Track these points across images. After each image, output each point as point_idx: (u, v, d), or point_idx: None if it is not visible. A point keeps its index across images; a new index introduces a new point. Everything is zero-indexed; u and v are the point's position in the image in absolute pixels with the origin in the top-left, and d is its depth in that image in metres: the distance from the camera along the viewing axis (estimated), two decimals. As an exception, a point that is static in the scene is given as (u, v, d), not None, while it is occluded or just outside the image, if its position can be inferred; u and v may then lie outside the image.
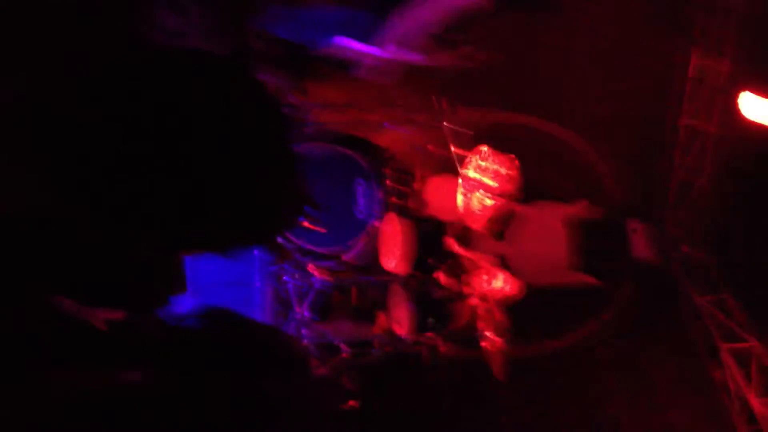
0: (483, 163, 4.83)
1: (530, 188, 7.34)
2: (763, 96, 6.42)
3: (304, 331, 4.84)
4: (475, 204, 4.91)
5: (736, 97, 6.66)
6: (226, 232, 1.40)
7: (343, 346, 5.04)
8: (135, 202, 1.27)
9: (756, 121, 6.50)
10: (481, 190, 4.77)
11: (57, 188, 1.25)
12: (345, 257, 4.90)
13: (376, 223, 4.95)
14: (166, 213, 1.30)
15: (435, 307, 5.24)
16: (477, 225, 5.34)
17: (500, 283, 5.52)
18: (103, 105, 1.22)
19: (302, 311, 4.78)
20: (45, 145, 1.22)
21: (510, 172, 4.83)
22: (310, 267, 4.76)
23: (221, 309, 1.61)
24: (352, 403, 5.15)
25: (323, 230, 4.63)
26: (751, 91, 6.53)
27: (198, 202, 1.29)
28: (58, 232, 1.31)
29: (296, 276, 4.73)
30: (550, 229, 7.38)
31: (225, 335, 1.61)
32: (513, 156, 4.91)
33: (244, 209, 1.37)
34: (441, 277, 5.26)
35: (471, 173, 4.82)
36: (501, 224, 5.18)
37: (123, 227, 1.31)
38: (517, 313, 5.63)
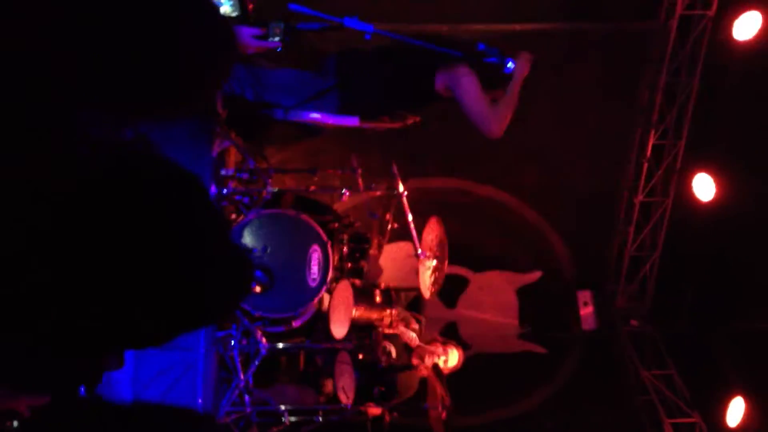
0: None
1: (484, 256, 7.41)
2: (714, 177, 6.58)
3: (246, 398, 4.73)
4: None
5: (690, 177, 6.82)
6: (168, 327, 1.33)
7: (286, 414, 4.94)
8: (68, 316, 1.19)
9: (707, 200, 6.66)
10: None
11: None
12: (295, 323, 4.83)
13: (328, 290, 4.90)
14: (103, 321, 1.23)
15: (382, 378, 5.18)
16: (428, 294, 5.32)
17: (455, 359, 5.50)
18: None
19: (246, 377, 4.68)
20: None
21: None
22: (258, 333, 4.67)
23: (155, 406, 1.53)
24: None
25: (274, 296, 4.56)
26: (705, 172, 6.70)
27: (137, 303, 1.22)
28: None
29: (243, 341, 4.64)
30: (502, 297, 7.41)
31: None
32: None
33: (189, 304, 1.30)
34: (389, 345, 5.22)
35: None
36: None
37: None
38: (463, 381, 5.60)
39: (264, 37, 3.55)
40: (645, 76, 6.85)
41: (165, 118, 1.53)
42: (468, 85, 3.96)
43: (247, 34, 3.51)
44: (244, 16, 3.57)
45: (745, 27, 6.06)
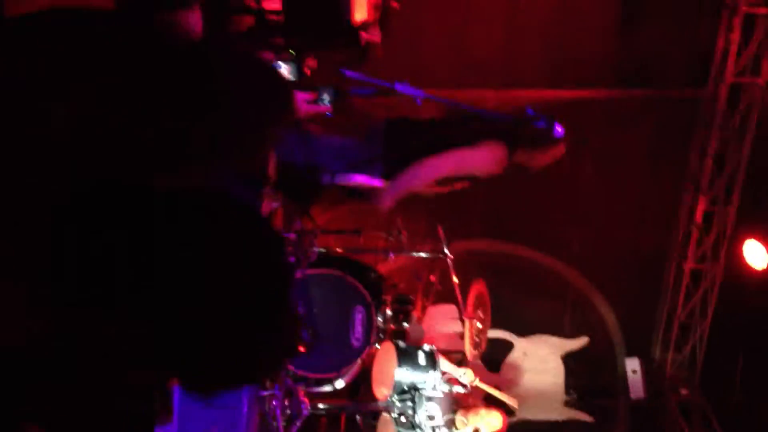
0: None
1: (528, 321, 7.34)
2: (765, 244, 6.46)
3: (288, 459, 4.73)
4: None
5: (741, 244, 6.70)
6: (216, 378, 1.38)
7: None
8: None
9: (759, 268, 6.52)
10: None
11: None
12: (338, 384, 4.84)
13: (372, 351, 4.91)
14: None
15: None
16: (472, 357, 5.30)
17: (498, 423, 5.42)
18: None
19: (289, 437, 4.69)
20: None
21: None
22: (301, 393, 4.69)
23: None
24: None
25: (318, 356, 4.59)
26: (756, 239, 6.58)
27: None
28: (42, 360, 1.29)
29: (286, 402, 4.66)
30: (547, 363, 7.31)
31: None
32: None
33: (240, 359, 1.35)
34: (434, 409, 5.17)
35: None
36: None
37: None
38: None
39: (315, 102, 3.67)
40: (694, 142, 6.82)
41: (223, 172, 1.60)
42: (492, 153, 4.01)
43: (299, 98, 3.63)
44: (300, 80, 3.70)
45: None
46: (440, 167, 3.97)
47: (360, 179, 4.16)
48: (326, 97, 3.76)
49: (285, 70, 3.85)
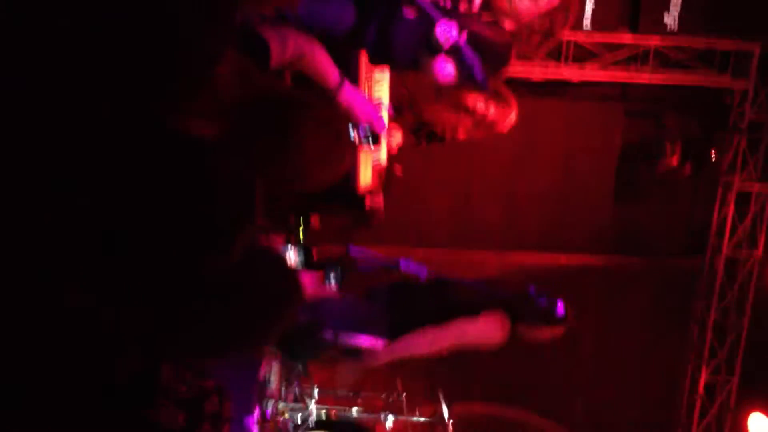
0: None
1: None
2: (770, 417, 6.35)
3: None
4: None
5: (745, 416, 6.59)
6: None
7: None
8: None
9: (765, 442, 6.37)
10: None
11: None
12: None
13: None
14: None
15: None
16: None
17: None
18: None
19: None
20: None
21: None
22: None
23: None
24: None
25: None
26: (761, 411, 6.47)
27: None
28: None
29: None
30: None
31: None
32: None
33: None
34: None
35: None
36: None
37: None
38: None
39: (322, 282, 3.75)
40: (694, 313, 6.85)
41: (235, 352, 1.64)
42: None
43: (307, 280, 3.70)
44: (308, 262, 3.79)
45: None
46: (442, 339, 3.96)
47: (362, 340, 4.14)
48: (333, 277, 3.84)
49: (293, 253, 3.97)
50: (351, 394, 5.29)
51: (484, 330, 3.96)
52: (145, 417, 1.62)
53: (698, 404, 6.88)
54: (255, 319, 1.54)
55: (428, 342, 3.92)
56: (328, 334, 4.25)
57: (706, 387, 6.85)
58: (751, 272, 6.44)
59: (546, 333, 4.12)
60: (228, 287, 1.45)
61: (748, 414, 6.59)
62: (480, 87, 2.85)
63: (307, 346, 4.41)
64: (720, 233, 6.49)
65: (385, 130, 3.44)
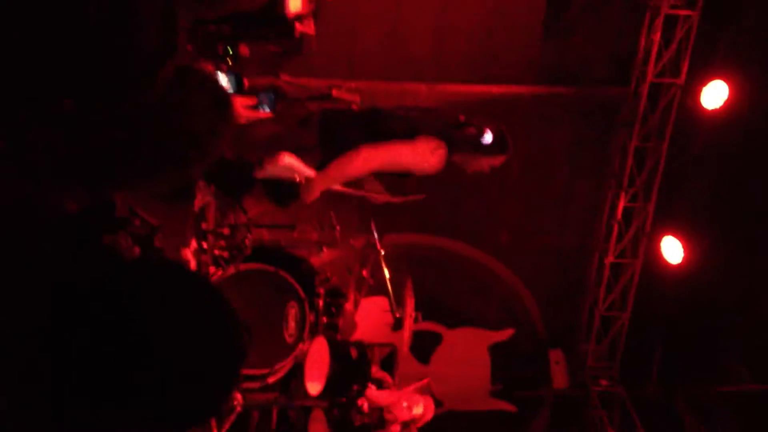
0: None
1: (457, 313, 7.45)
2: (682, 240, 6.71)
3: (219, 454, 4.65)
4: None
5: (659, 239, 6.95)
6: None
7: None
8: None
9: (674, 263, 6.77)
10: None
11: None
12: (270, 380, 4.78)
13: (305, 346, 4.88)
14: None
15: (356, 435, 5.14)
16: (405, 347, 5.34)
17: (421, 409, 5.48)
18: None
19: (220, 433, 4.61)
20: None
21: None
22: (233, 388, 4.62)
23: None
24: None
25: (250, 352, 4.51)
26: (673, 235, 6.83)
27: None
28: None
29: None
30: (474, 354, 7.43)
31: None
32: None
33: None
34: (364, 403, 5.18)
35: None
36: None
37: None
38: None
39: (255, 107, 3.65)
40: (616, 140, 7.03)
41: (164, 184, 1.60)
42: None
43: (240, 104, 3.59)
44: (240, 89, 3.66)
45: (713, 96, 6.26)
46: (376, 157, 3.92)
47: (292, 162, 4.05)
48: (266, 103, 3.74)
49: (224, 80, 3.82)
50: (286, 226, 5.33)
51: (419, 152, 3.96)
52: (107, 243, 1.59)
53: (615, 229, 7.21)
54: (189, 140, 1.51)
55: (362, 160, 3.89)
56: (261, 164, 4.19)
57: (624, 212, 7.16)
58: (673, 99, 6.59)
59: (482, 162, 4.17)
60: (159, 110, 1.38)
61: (661, 237, 6.95)
62: None
63: (238, 179, 4.35)
64: (645, 60, 6.56)
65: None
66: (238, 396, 4.64)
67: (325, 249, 5.13)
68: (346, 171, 4.01)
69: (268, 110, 3.64)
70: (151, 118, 1.39)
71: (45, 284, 1.20)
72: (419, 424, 5.40)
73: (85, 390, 1.16)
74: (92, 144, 1.30)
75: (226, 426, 4.62)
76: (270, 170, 3.94)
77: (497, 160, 4.13)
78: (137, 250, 1.82)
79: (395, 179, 4.15)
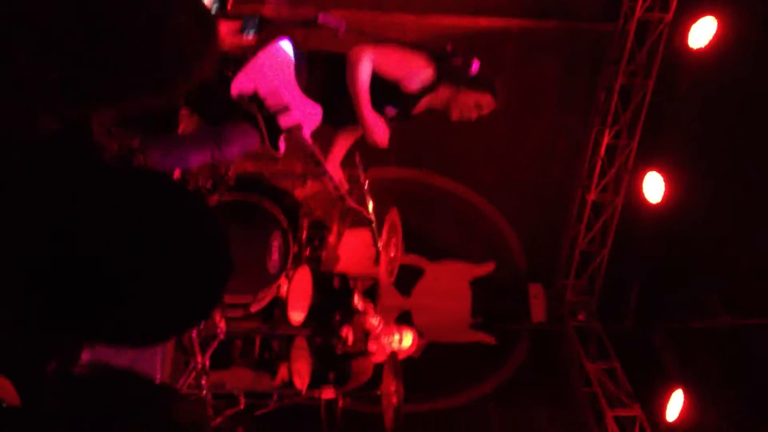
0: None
1: (440, 247, 7.51)
2: (664, 177, 6.75)
3: (203, 380, 4.74)
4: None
5: (641, 177, 6.99)
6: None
7: (241, 396, 4.97)
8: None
9: (656, 201, 6.81)
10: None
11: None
12: (253, 308, 4.84)
13: (288, 276, 4.92)
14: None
15: (337, 363, 5.24)
16: (386, 280, 5.40)
17: (409, 341, 5.59)
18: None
19: (203, 360, 4.69)
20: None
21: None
22: (217, 316, 4.68)
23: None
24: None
25: (234, 280, 4.55)
26: (656, 171, 6.86)
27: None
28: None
29: (201, 324, 4.63)
30: (455, 287, 7.53)
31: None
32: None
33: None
34: (349, 334, 5.27)
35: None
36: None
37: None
38: (415, 369, 5.68)
39: (240, 32, 3.57)
40: (602, 77, 7.00)
41: (146, 105, 1.58)
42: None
43: (224, 29, 3.52)
44: (224, 12, 3.58)
45: (701, 34, 6.21)
46: (373, 53, 3.86)
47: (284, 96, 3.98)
48: (251, 27, 3.66)
49: (207, 1, 3.73)
50: (270, 158, 5.30)
51: (412, 63, 3.91)
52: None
53: (599, 166, 7.25)
54: (172, 61, 1.47)
55: (365, 54, 3.83)
56: (246, 92, 4.12)
57: (607, 150, 7.18)
58: (661, 35, 6.55)
59: (468, 98, 4.13)
60: (140, 28, 1.36)
61: (644, 174, 6.98)
62: None
63: (221, 105, 4.30)
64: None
65: None
66: (222, 324, 4.70)
67: (309, 181, 5.14)
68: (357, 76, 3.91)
69: (252, 35, 3.58)
70: (134, 31, 1.37)
71: (42, 208, 1.20)
72: (402, 356, 5.50)
73: (74, 293, 1.18)
74: (73, 57, 1.29)
75: (209, 353, 4.70)
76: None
77: (484, 99, 4.11)
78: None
79: (378, 106, 4.08)
